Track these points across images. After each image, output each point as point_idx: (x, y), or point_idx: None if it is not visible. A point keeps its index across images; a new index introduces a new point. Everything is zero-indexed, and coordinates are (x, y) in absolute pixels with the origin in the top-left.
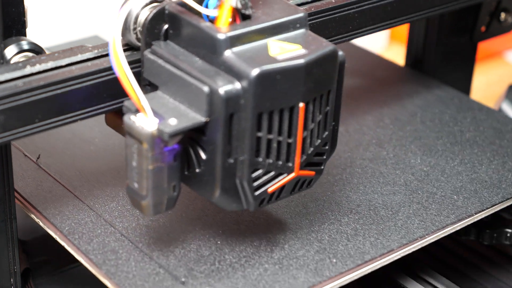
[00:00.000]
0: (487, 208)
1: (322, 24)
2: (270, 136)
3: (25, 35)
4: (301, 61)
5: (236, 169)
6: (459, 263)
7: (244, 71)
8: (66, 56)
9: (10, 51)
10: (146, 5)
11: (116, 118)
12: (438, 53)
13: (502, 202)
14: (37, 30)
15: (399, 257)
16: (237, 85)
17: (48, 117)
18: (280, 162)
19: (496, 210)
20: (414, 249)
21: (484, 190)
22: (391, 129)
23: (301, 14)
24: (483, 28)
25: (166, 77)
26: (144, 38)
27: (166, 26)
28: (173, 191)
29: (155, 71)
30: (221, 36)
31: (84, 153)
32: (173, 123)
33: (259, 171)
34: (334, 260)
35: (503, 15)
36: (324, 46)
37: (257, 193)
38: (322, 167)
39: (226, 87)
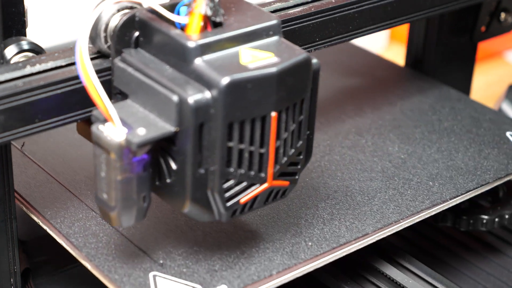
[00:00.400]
0: (462, 194)
1: (322, 24)
2: (242, 146)
3: (25, 35)
4: (273, 69)
5: (207, 180)
6: (436, 249)
7: (214, 80)
8: (66, 56)
9: (10, 51)
10: (117, 12)
11: (86, 127)
12: (438, 53)
13: (476, 188)
14: (37, 30)
15: (373, 241)
16: (207, 94)
17: (48, 117)
18: (253, 173)
19: (470, 196)
20: (389, 233)
21: (459, 177)
22: (370, 118)
23: (274, 22)
24: (483, 28)
25: (136, 85)
26: (114, 46)
27: (136, 34)
28: (143, 202)
29: (125, 79)
30: (191, 44)
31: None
32: (141, 133)
33: (231, 182)
34: (310, 244)
35: (503, 15)
36: (297, 54)
37: (229, 204)
38: (297, 177)
39: (195, 96)
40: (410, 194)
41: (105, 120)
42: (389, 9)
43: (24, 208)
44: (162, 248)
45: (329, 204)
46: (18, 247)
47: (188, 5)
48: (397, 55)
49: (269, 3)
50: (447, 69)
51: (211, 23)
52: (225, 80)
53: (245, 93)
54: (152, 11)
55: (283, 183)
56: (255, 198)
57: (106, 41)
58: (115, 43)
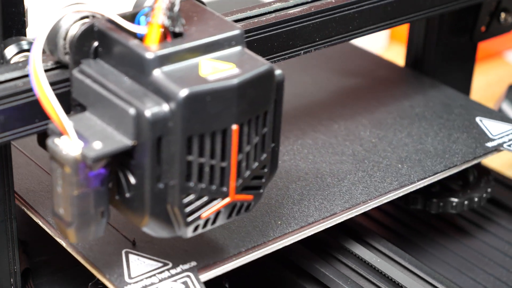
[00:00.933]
0: (430, 176)
1: (322, 24)
2: (202, 160)
3: (25, 35)
4: (233, 81)
5: (167, 194)
6: (406, 231)
7: (172, 92)
8: None
9: (10, 51)
10: (76, 20)
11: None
12: (438, 53)
13: (444, 170)
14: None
15: (341, 220)
16: (165, 107)
17: (48, 117)
18: (214, 187)
19: (438, 178)
20: (356, 213)
21: (428, 160)
22: (345, 105)
23: (237, 31)
24: (483, 28)
25: (94, 97)
26: (72, 56)
27: (96, 44)
28: (101, 217)
29: (83, 91)
30: (149, 55)
31: None
32: (97, 147)
33: (191, 196)
34: (279, 222)
35: (503, 15)
36: (259, 65)
37: (189, 219)
38: (261, 191)
39: (153, 109)
40: (379, 176)
41: (60, 134)
42: (389, 9)
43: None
44: (135, 228)
45: (299, 185)
46: (18, 247)
47: (147, 15)
48: (397, 55)
49: (269, 3)
50: (447, 69)
51: (171, 33)
52: (183, 93)
53: (204, 106)
54: (111, 21)
55: (246, 197)
56: (217, 213)
57: (65, 51)
58: (73, 54)
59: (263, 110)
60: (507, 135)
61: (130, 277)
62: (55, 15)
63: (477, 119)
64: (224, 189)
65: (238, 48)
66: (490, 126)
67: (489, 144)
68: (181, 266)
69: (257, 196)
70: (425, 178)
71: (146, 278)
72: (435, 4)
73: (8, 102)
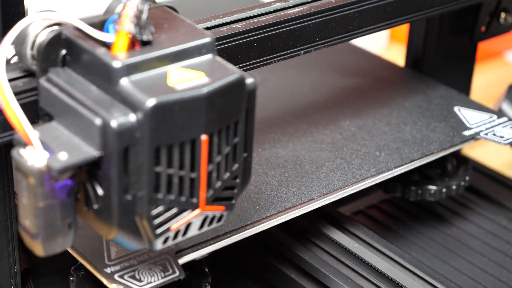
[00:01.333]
0: (406, 163)
1: (322, 24)
2: (170, 171)
3: None
4: (202, 90)
5: (135, 206)
6: (385, 218)
7: (138, 102)
8: None
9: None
10: (44, 28)
11: None
12: (438, 53)
13: (421, 158)
14: None
15: (319, 206)
16: (132, 117)
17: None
18: (183, 198)
19: (415, 165)
20: (334, 199)
21: (405, 148)
22: (326, 94)
23: (207, 39)
24: (483, 28)
25: (61, 107)
26: (39, 65)
27: (64, 52)
28: (68, 228)
29: (50, 100)
30: (116, 64)
31: None
32: (63, 158)
33: (160, 208)
34: (257, 208)
35: (503, 15)
36: (230, 73)
37: (158, 231)
38: (233, 202)
39: (119, 119)
40: (357, 163)
41: (25, 144)
42: (389, 9)
43: None
44: None
45: (278, 172)
46: (18, 247)
47: (116, 23)
48: (397, 55)
49: (269, 3)
50: (447, 69)
51: (139, 41)
52: (150, 102)
53: (172, 116)
54: (79, 29)
55: (218, 208)
56: (187, 225)
57: (32, 59)
58: (40, 62)
59: (234, 120)
60: (484, 124)
61: (110, 260)
62: (23, 22)
63: (455, 108)
64: (194, 200)
65: (208, 56)
66: (468, 115)
67: (466, 133)
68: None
69: (229, 207)
70: (402, 165)
71: (125, 260)
72: (435, 4)
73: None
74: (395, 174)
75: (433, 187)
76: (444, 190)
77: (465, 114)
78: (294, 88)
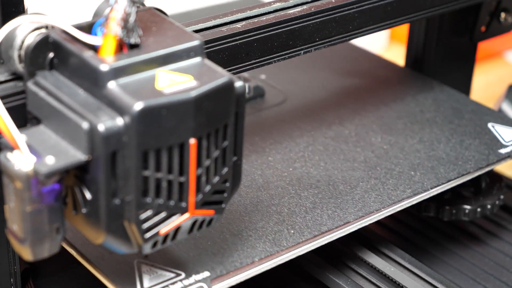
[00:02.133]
0: (443, 184)
1: (322, 24)
2: (159, 175)
3: None
4: (189, 94)
5: (123, 210)
6: (419, 238)
7: (126, 106)
8: None
9: None
10: (32, 30)
11: None
12: (438, 53)
13: (457, 178)
14: None
15: (355, 229)
16: (119, 121)
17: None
18: (172, 202)
19: (452, 185)
20: (370, 222)
21: (440, 167)
22: (353, 109)
23: (196, 42)
24: (483, 28)
25: (48, 110)
26: (27, 68)
27: (51, 55)
28: (56, 233)
29: (38, 103)
30: (103, 67)
31: None
32: (50, 162)
33: (148, 212)
34: (292, 231)
35: (503, 15)
36: (218, 77)
37: (147, 235)
38: (223, 206)
39: (106, 123)
40: (391, 184)
41: (13, 148)
42: (389, 9)
43: None
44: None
45: (311, 193)
46: None
47: (103, 26)
48: (397, 55)
49: (269, 3)
50: (447, 69)
51: (127, 45)
52: (137, 106)
53: (160, 120)
54: (66, 32)
55: (207, 212)
56: (177, 229)
57: (20, 62)
58: (28, 65)
59: (222, 123)
60: None
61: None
62: (10, 25)
63: (489, 125)
64: (183, 204)
65: (197, 60)
66: (502, 132)
67: (502, 151)
68: (194, 276)
69: (219, 211)
70: (438, 185)
71: None
72: (435, 4)
73: (8, 102)
74: (432, 195)
75: (467, 207)
76: (479, 209)
77: (499, 131)
78: (302, 93)
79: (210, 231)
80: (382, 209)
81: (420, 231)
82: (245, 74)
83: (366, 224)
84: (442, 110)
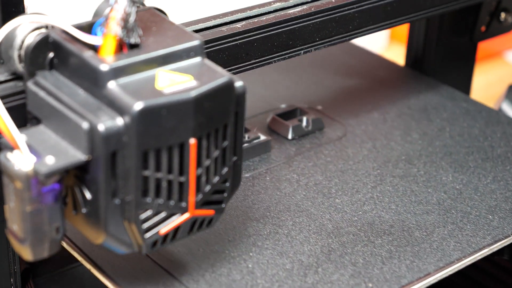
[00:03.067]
0: None
1: (322, 24)
2: (159, 175)
3: None
4: (190, 94)
5: (123, 210)
6: (493, 284)
7: (126, 106)
8: None
9: None
10: (32, 30)
11: None
12: (438, 53)
13: None
14: None
15: (436, 280)
16: (119, 121)
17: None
18: (172, 202)
19: None
20: (451, 272)
21: None
22: (420, 144)
23: (196, 42)
24: (483, 28)
25: (48, 110)
26: (27, 68)
27: (51, 55)
28: (56, 233)
29: (38, 103)
30: (103, 67)
31: None
32: (50, 162)
33: (149, 212)
34: (370, 285)
35: (503, 15)
36: (218, 77)
37: (147, 235)
38: (223, 205)
39: (106, 123)
40: (470, 229)
41: (13, 148)
42: (389, 9)
43: None
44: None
45: (386, 240)
46: None
47: (103, 25)
48: (397, 55)
49: (269, 3)
50: (447, 69)
51: (127, 45)
52: (137, 106)
53: (160, 120)
54: (66, 31)
55: (207, 212)
56: (176, 229)
57: (20, 62)
58: (28, 65)
59: (222, 123)
60: None
61: None
62: (10, 25)
63: None
64: (183, 204)
65: (197, 59)
66: None
67: None
68: None
69: (219, 211)
70: None
71: None
72: (435, 4)
73: (8, 102)
74: None
75: None
76: None
77: None
78: (373, 130)
79: (285, 284)
80: (463, 258)
81: (493, 274)
82: (303, 106)
83: (447, 274)
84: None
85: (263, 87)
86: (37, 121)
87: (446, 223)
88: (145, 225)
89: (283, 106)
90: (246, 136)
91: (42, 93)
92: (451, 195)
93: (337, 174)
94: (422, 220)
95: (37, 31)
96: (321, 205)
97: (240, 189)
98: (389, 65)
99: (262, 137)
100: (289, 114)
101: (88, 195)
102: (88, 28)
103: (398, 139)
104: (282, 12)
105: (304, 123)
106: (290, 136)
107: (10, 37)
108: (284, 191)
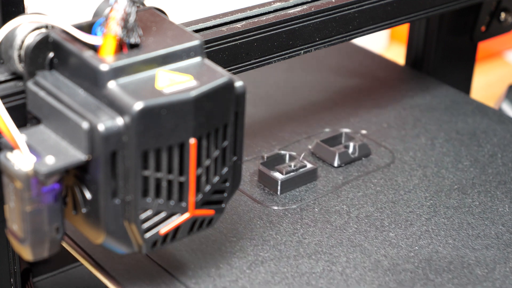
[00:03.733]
0: None
1: (322, 24)
2: (159, 175)
3: None
4: (190, 94)
5: (123, 210)
6: None
7: (126, 106)
8: None
9: None
10: (32, 30)
11: None
12: (438, 53)
13: None
14: None
15: None
16: (119, 121)
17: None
18: (172, 202)
19: None
20: None
21: None
22: (472, 172)
23: (195, 42)
24: (483, 28)
25: (48, 110)
26: (27, 68)
27: (51, 55)
28: (56, 233)
29: (38, 103)
30: (103, 67)
31: None
32: (50, 162)
33: (148, 212)
34: None
35: (503, 15)
36: (218, 77)
37: (147, 235)
38: (223, 205)
39: (106, 123)
40: None
41: (13, 148)
42: (389, 9)
43: None
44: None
45: (446, 279)
46: None
47: (103, 25)
48: (397, 55)
49: (269, 3)
50: (447, 69)
51: (127, 44)
52: (137, 106)
53: (160, 120)
54: (66, 31)
55: (207, 212)
56: (176, 229)
57: (20, 62)
58: (28, 65)
59: (222, 123)
60: None
61: None
62: (10, 25)
63: None
64: (183, 204)
65: (197, 59)
66: None
67: None
68: None
69: (219, 211)
70: None
71: None
72: (435, 4)
73: (8, 102)
74: None
75: None
76: None
77: None
78: (422, 156)
79: None
80: None
81: None
82: (347, 131)
83: None
84: None
85: (302, 109)
86: (37, 121)
87: (507, 259)
88: (145, 225)
89: (326, 130)
90: (292, 164)
91: (42, 93)
92: (509, 227)
93: (388, 205)
94: (482, 256)
95: (37, 31)
96: (375, 239)
97: (288, 222)
98: (389, 65)
99: (309, 165)
100: (334, 139)
101: (88, 195)
102: (88, 28)
103: (449, 166)
104: (282, 12)
105: (351, 150)
106: (336, 164)
107: (10, 37)
108: (335, 224)
